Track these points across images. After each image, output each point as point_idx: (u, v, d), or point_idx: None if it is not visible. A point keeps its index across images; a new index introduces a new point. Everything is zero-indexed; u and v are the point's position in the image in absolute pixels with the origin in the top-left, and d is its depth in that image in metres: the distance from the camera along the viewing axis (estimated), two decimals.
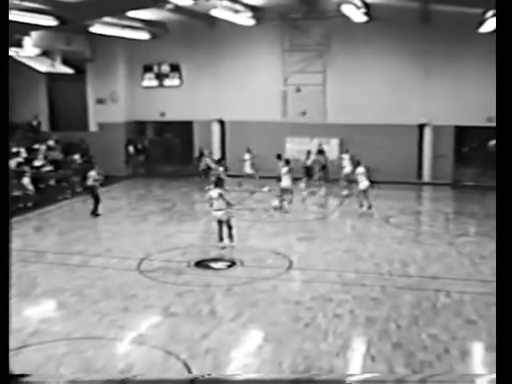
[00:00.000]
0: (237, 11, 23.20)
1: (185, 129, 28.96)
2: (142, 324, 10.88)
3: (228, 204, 15.56)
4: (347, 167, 23.57)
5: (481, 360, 9.47)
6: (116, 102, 28.49)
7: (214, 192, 15.59)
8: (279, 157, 22.85)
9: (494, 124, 24.59)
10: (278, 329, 10.43)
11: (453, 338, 9.98)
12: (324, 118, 26.61)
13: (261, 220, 19.53)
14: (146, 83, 28.91)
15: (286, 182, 20.21)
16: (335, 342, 9.81)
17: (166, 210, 20.89)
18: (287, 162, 20.80)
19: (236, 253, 15.38)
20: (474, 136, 26.32)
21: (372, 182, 20.31)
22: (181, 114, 28.42)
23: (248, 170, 25.22)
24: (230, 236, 15.74)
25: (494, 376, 2.28)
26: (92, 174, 19.93)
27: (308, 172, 24.94)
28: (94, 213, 19.69)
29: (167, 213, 20.53)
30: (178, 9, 21.21)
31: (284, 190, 20.22)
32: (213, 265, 14.39)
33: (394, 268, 14.09)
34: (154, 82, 28.86)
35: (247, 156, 25.36)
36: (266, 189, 20.43)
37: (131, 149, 28.91)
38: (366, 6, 22.46)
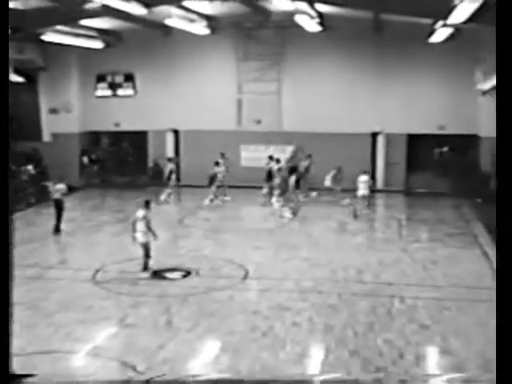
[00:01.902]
0: (192, 20, 23.19)
1: (139, 139, 28.74)
2: (98, 336, 10.73)
3: (149, 229, 14.31)
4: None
5: (435, 364, 9.62)
6: (69, 111, 28.12)
7: (140, 213, 14.43)
8: (271, 158, 23.97)
9: (444, 132, 25.15)
10: (235, 338, 10.41)
11: (407, 342, 10.13)
12: (279, 125, 26.78)
13: (215, 229, 19.51)
14: (99, 93, 28.62)
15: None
16: (293, 350, 9.84)
17: (121, 221, 20.67)
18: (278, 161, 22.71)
19: (191, 262, 15.31)
20: (426, 144, 26.78)
21: (372, 192, 21.25)
22: (135, 124, 28.20)
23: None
24: (146, 257, 14.33)
25: (447, 377, 2.30)
26: (60, 187, 19.09)
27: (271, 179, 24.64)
28: (58, 229, 18.66)
29: (122, 223, 20.30)
30: (131, 18, 21.10)
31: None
32: (168, 275, 14.29)
33: (350, 275, 14.23)
34: (108, 92, 28.58)
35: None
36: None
37: (85, 159, 28.56)
38: (320, 16, 22.70)
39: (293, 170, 23.32)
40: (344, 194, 22.65)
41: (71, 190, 20.26)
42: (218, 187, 23.60)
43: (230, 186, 24.10)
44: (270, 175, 23.96)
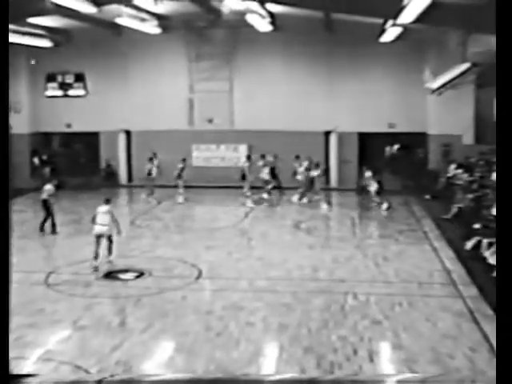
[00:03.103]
0: (143, 20, 22.99)
1: (91, 139, 28.38)
2: (49, 339, 10.55)
3: (115, 221, 14.99)
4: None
5: (388, 359, 9.76)
6: (19, 112, 27.56)
7: (104, 207, 15.00)
8: (263, 156, 24.29)
9: (394, 130, 25.66)
10: (189, 339, 10.37)
11: (361, 338, 10.26)
12: (231, 124, 26.80)
13: (168, 229, 19.41)
14: (49, 93, 28.15)
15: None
16: (247, 349, 9.86)
17: (74, 222, 20.39)
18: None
19: (144, 263, 15.20)
20: (377, 142, 27.14)
21: (380, 185, 21.95)
22: (87, 125, 27.84)
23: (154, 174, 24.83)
24: (110, 250, 15.00)
25: (401, 377, 2.30)
26: (47, 187, 18.86)
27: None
28: (54, 228, 18.67)
29: (75, 225, 20.04)
30: (81, 16, 20.81)
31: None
32: (121, 276, 14.17)
33: (305, 273, 14.33)
34: (59, 92, 28.15)
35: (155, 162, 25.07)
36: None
37: (36, 160, 28.06)
38: (271, 15, 22.77)
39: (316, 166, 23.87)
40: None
41: (59, 189, 20.09)
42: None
43: (187, 186, 24.09)
44: (244, 175, 24.20)
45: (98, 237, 14.77)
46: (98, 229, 14.81)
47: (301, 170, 23.72)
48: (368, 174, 22.19)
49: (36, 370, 9.37)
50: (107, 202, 15.27)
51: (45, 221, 18.80)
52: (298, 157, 24.19)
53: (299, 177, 23.57)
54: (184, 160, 24.41)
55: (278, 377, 2.49)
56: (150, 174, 24.19)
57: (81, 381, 2.71)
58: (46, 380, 2.80)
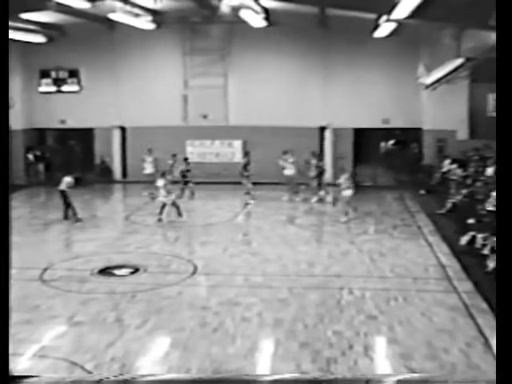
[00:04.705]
0: (137, 15, 22.91)
1: (86, 136, 28.31)
2: (45, 336, 10.53)
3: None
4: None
5: (383, 354, 9.78)
6: (12, 107, 27.45)
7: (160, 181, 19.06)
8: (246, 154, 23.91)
9: (388, 125, 25.65)
10: (184, 335, 10.37)
11: (356, 333, 10.28)
12: (226, 120, 26.77)
13: (162, 225, 19.38)
14: (43, 89, 28.06)
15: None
16: (243, 345, 9.87)
17: (68, 219, 20.34)
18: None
19: (139, 259, 15.20)
20: (372, 137, 27.20)
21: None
22: (81, 121, 27.75)
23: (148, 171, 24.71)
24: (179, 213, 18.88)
25: (401, 377, 2.28)
26: (67, 179, 19.80)
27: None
28: (76, 216, 19.72)
29: (69, 221, 20.00)
30: (75, 11, 20.74)
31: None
32: (116, 272, 14.15)
33: (301, 269, 14.33)
34: (52, 88, 28.05)
35: (149, 158, 24.96)
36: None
37: (31, 156, 27.99)
38: (266, 11, 22.73)
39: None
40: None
41: (78, 182, 21.10)
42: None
43: (175, 182, 23.97)
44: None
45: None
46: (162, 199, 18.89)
47: (313, 162, 23.49)
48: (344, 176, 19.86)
49: (31, 367, 9.36)
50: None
51: (67, 209, 19.74)
52: (286, 152, 23.86)
53: (287, 172, 23.36)
54: (175, 156, 24.33)
55: (277, 376, 2.47)
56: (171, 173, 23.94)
57: (82, 381, 2.70)
58: (47, 380, 2.78)
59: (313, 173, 23.32)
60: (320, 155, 24.09)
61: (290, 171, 23.26)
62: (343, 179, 19.52)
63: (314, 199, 22.60)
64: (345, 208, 19.62)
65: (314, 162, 23.55)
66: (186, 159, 22.76)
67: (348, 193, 19.41)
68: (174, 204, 19.58)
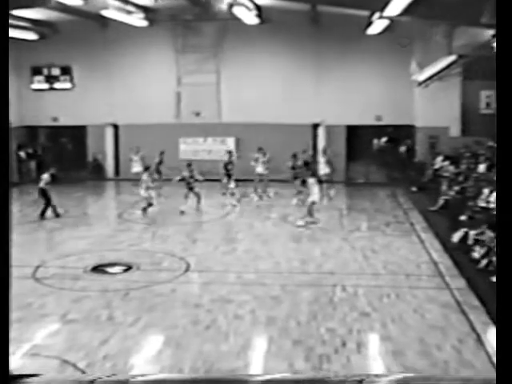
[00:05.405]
0: (129, 12, 22.86)
1: (78, 133, 28.24)
2: (37, 334, 10.49)
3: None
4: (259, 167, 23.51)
5: (376, 351, 9.80)
6: None
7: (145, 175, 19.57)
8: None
9: (381, 123, 25.67)
10: (177, 332, 10.36)
11: (349, 330, 10.30)
12: (219, 117, 26.76)
13: (155, 222, 19.35)
14: (35, 86, 27.96)
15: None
16: (236, 343, 9.87)
17: (60, 216, 20.29)
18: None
19: (132, 256, 15.18)
20: (365, 134, 27.24)
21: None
22: (73, 119, 27.69)
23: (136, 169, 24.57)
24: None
25: (400, 376, 2.27)
26: (45, 176, 19.91)
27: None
28: (43, 216, 19.64)
29: (61, 218, 19.95)
30: (67, 8, 20.66)
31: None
32: (109, 269, 14.13)
33: (293, 266, 14.34)
34: (45, 85, 27.95)
35: (136, 157, 24.93)
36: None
37: (23, 154, 27.89)
38: (258, 8, 22.73)
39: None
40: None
41: (54, 178, 20.78)
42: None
43: (168, 179, 23.96)
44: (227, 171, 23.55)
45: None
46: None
47: (322, 160, 23.65)
48: (311, 180, 19.05)
49: (23, 366, 9.33)
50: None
51: (45, 209, 19.68)
52: (260, 149, 23.79)
53: (259, 169, 23.39)
54: (162, 153, 24.26)
55: (268, 376, 2.47)
56: (158, 171, 23.80)
57: (83, 381, 2.69)
58: (47, 380, 2.77)
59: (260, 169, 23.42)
60: (296, 157, 23.88)
61: (260, 169, 23.40)
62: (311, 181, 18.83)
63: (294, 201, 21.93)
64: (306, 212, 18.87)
65: (289, 163, 23.68)
66: (189, 165, 22.13)
67: (314, 198, 18.57)
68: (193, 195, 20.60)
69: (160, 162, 24.03)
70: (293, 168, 23.47)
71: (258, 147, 23.69)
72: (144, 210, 19.72)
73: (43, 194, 19.83)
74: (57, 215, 19.84)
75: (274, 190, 23.63)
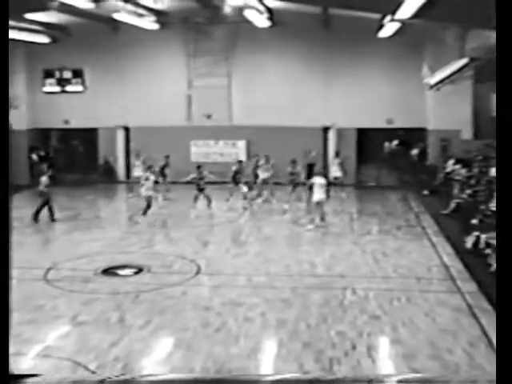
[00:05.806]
0: (140, 15, 22.95)
1: (90, 136, 28.37)
2: (48, 336, 10.54)
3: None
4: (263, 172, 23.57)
5: (386, 354, 9.77)
6: (16, 108, 27.50)
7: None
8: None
9: (392, 126, 25.58)
10: (187, 335, 10.37)
11: (359, 334, 10.26)
12: (230, 120, 26.79)
13: (166, 225, 19.39)
14: (47, 89, 28.11)
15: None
16: (246, 345, 9.86)
17: (71, 219, 20.38)
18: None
19: (143, 259, 15.21)
20: (376, 137, 27.15)
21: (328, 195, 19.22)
22: (85, 121, 27.81)
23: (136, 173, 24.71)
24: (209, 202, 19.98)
25: (402, 377, 2.26)
26: (43, 179, 19.81)
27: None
28: (36, 219, 19.45)
29: (72, 221, 20.04)
30: (79, 12, 20.77)
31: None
32: (120, 272, 14.17)
33: (304, 269, 14.32)
34: (56, 88, 28.10)
35: (137, 162, 25.10)
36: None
37: (35, 157, 28.04)
38: (269, 11, 22.75)
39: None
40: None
41: (52, 179, 20.89)
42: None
43: (175, 182, 24.07)
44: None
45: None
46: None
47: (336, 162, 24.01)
48: (318, 179, 18.88)
49: (35, 366, 9.38)
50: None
51: (40, 210, 19.49)
52: (256, 155, 24.44)
53: (264, 174, 23.39)
54: (167, 157, 24.32)
55: (278, 376, 2.47)
56: (163, 174, 23.89)
57: (83, 381, 2.70)
58: (47, 380, 2.78)
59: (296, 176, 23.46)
60: (295, 162, 23.89)
61: (263, 174, 23.43)
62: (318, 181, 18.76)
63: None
64: (313, 213, 19.01)
65: (289, 169, 23.66)
66: (198, 167, 22.08)
67: (316, 198, 18.57)
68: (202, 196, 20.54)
69: (165, 166, 24.08)
70: (291, 174, 23.48)
71: (264, 154, 23.79)
72: (144, 211, 19.60)
73: (42, 196, 19.70)
74: (53, 220, 19.61)
75: (284, 194, 23.58)
